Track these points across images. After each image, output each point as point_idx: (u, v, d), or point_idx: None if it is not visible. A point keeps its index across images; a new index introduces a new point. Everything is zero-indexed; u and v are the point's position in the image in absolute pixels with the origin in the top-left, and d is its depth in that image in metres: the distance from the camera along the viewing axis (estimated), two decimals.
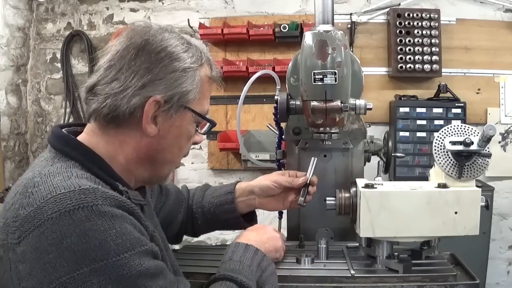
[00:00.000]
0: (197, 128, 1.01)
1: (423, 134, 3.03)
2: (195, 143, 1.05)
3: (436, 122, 3.02)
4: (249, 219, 1.39)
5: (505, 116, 3.18)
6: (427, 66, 3.04)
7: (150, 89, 0.90)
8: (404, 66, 3.05)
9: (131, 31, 0.94)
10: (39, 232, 0.76)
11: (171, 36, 0.96)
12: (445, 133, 1.23)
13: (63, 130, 0.96)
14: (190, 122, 0.98)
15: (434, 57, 3.04)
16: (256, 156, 2.81)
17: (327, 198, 1.35)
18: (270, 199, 1.37)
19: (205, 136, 1.08)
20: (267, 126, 1.97)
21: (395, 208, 1.20)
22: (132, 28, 0.95)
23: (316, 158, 1.41)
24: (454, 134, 1.22)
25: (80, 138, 0.95)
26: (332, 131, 1.48)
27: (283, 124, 1.69)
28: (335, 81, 1.39)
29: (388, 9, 3.16)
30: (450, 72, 3.14)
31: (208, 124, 1.04)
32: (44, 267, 0.75)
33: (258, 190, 1.36)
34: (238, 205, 1.35)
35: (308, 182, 1.35)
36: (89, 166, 0.89)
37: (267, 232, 1.19)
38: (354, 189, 1.31)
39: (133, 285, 0.78)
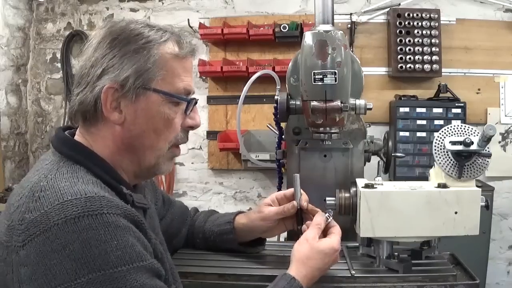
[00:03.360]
0: (186, 113, 0.96)
1: (423, 134, 3.03)
2: (190, 128, 0.99)
3: (436, 122, 3.02)
4: (257, 241, 1.33)
5: (505, 116, 3.18)
6: (427, 66, 3.04)
7: (106, 77, 0.90)
8: (404, 66, 3.05)
9: (102, 27, 0.97)
10: (44, 237, 0.76)
11: (134, 23, 0.95)
12: (445, 133, 1.23)
13: (66, 133, 0.97)
14: (162, 104, 0.93)
15: (434, 57, 3.04)
16: (256, 156, 2.81)
17: (327, 198, 1.35)
18: (271, 230, 1.28)
19: (198, 119, 1.00)
20: (267, 126, 1.97)
21: (395, 208, 1.20)
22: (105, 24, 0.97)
23: (298, 175, 1.25)
24: (454, 134, 1.22)
25: (85, 143, 0.95)
26: (332, 131, 1.49)
27: (283, 124, 1.69)
28: (335, 81, 1.39)
29: (388, 9, 3.16)
30: (450, 72, 3.14)
31: (194, 104, 0.98)
32: (45, 273, 0.75)
33: (256, 230, 1.28)
34: (241, 236, 1.29)
35: (299, 207, 1.22)
36: (94, 170, 0.89)
37: (327, 258, 1.09)
38: (354, 189, 1.31)
39: None
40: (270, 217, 1.24)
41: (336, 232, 1.15)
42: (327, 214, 1.17)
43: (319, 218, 1.16)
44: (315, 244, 1.09)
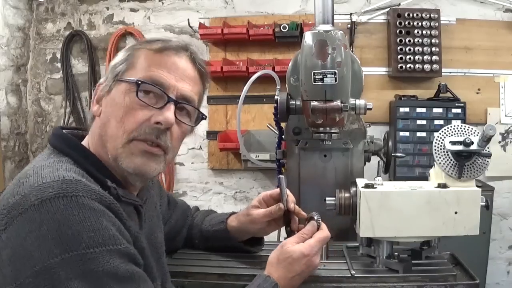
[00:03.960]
0: (139, 97, 0.92)
1: (423, 134, 3.03)
2: (159, 124, 0.92)
3: (436, 122, 3.02)
4: (255, 241, 1.33)
5: (505, 116, 3.18)
6: (427, 66, 3.04)
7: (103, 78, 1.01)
8: (404, 66, 3.05)
9: None
10: (22, 219, 0.77)
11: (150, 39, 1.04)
12: (445, 133, 1.23)
13: (63, 131, 0.99)
14: (125, 92, 0.93)
15: (434, 57, 3.04)
16: (256, 156, 2.81)
17: (327, 198, 1.35)
18: (263, 230, 1.29)
19: (168, 115, 0.93)
20: (267, 126, 1.97)
21: (395, 208, 1.20)
22: None
23: (283, 177, 1.24)
24: (454, 134, 1.22)
25: (84, 141, 0.99)
26: (332, 131, 1.49)
27: (283, 124, 1.69)
28: (335, 81, 1.39)
29: (388, 9, 3.16)
30: (450, 72, 3.14)
31: (169, 101, 0.93)
32: (23, 254, 0.76)
33: (248, 231, 1.28)
34: (236, 237, 1.29)
35: (285, 208, 1.21)
36: (81, 162, 0.91)
37: (296, 263, 1.07)
38: (354, 189, 1.31)
39: (98, 283, 0.77)
40: (259, 220, 1.25)
41: (314, 236, 1.12)
42: (316, 217, 1.15)
43: (309, 227, 1.14)
44: (284, 249, 1.08)
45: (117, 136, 0.92)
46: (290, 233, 1.22)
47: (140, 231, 0.97)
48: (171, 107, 0.94)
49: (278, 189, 1.25)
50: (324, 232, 1.14)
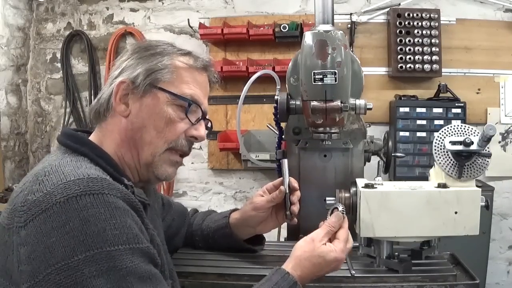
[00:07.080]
0: (187, 116, 1.00)
1: (423, 134, 3.03)
2: (194, 139, 1.03)
3: (436, 122, 3.02)
4: (256, 240, 1.33)
5: (505, 116, 3.18)
6: (427, 66, 3.04)
7: (122, 75, 0.99)
8: (404, 66, 3.05)
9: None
10: (45, 216, 0.78)
11: (162, 42, 1.05)
12: (445, 133, 1.23)
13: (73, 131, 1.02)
14: (166, 103, 0.98)
15: (434, 57, 3.04)
16: (256, 156, 2.81)
17: (327, 198, 1.35)
18: (264, 223, 1.28)
19: (203, 132, 1.04)
20: (267, 126, 1.97)
21: (395, 208, 1.20)
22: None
23: (286, 160, 1.26)
24: (454, 134, 1.22)
25: (94, 139, 1.01)
26: (332, 131, 1.49)
27: (283, 124, 1.69)
28: (335, 81, 1.39)
29: (388, 9, 3.16)
30: (450, 72, 3.14)
31: (201, 118, 1.03)
32: (44, 251, 0.76)
33: (250, 222, 1.28)
34: (237, 231, 1.29)
35: (287, 191, 1.22)
36: (97, 161, 0.92)
37: (327, 266, 1.04)
38: (354, 189, 1.31)
39: (121, 281, 0.78)
40: (262, 206, 1.25)
41: (341, 238, 1.07)
42: (341, 208, 1.11)
43: (334, 219, 1.09)
44: (319, 248, 1.04)
45: (157, 145, 0.99)
46: (289, 217, 1.23)
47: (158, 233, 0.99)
48: (203, 123, 1.05)
49: (280, 178, 1.27)
50: (350, 236, 1.11)
